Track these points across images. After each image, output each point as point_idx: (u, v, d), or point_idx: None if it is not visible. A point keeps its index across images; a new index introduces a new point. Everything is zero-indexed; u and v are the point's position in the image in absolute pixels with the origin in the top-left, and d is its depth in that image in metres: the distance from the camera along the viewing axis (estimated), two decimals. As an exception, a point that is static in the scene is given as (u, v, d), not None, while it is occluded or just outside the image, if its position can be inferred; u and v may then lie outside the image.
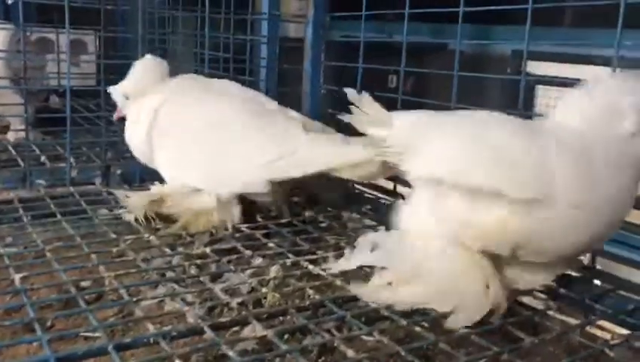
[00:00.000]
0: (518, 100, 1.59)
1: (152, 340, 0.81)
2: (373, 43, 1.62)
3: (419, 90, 1.54)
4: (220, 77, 1.90)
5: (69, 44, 1.53)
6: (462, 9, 1.31)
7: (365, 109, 1.07)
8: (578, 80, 1.64)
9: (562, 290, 1.05)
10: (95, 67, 2.59)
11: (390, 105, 1.46)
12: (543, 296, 1.04)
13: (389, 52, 1.67)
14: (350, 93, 1.08)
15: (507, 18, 1.45)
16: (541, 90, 1.94)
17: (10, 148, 1.76)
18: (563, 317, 1.00)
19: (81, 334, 0.93)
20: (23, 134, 1.81)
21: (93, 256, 1.08)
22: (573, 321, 0.98)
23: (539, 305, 1.04)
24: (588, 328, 0.98)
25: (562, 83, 1.79)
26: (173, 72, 1.46)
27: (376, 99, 1.44)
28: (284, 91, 1.87)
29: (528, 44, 1.20)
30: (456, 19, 1.35)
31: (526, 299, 1.12)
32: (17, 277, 0.98)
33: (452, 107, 1.35)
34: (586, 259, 1.39)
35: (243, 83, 1.94)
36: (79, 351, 0.78)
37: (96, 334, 0.98)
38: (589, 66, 1.61)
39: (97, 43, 2.74)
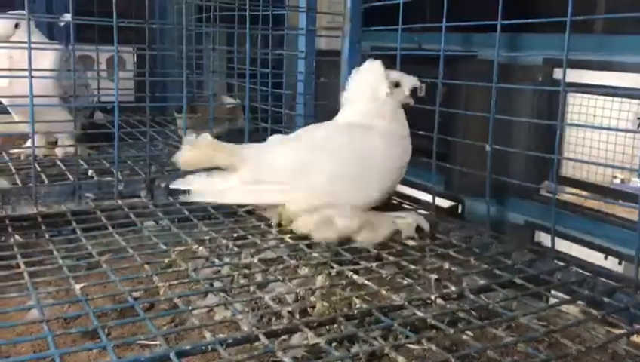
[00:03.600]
0: (547, 108, 1.59)
1: (209, 347, 0.85)
2: (402, 53, 1.64)
3: (447, 99, 1.56)
4: (256, 91, 1.94)
5: (108, 61, 1.58)
6: (499, 22, 1.32)
7: None
8: (614, 87, 1.64)
9: (606, 299, 1.05)
10: (132, 83, 2.67)
11: (425, 114, 1.48)
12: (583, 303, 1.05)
13: (416, 62, 1.69)
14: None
15: (537, 26, 1.46)
16: (571, 98, 1.92)
17: (59, 163, 1.82)
18: (607, 327, 1.01)
19: (140, 342, 0.97)
20: (70, 150, 1.87)
21: (146, 266, 1.13)
22: (618, 330, 0.99)
23: (583, 314, 1.05)
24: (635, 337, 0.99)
25: (596, 91, 1.78)
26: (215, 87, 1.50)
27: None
28: (320, 104, 1.90)
29: (567, 53, 1.21)
30: (486, 29, 1.36)
31: (564, 308, 1.13)
32: (77, 287, 1.03)
33: (491, 117, 1.36)
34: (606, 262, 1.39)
35: (280, 97, 2.00)
36: (142, 357, 0.82)
37: (153, 342, 1.02)
38: (621, 73, 1.60)
39: (135, 60, 2.83)
